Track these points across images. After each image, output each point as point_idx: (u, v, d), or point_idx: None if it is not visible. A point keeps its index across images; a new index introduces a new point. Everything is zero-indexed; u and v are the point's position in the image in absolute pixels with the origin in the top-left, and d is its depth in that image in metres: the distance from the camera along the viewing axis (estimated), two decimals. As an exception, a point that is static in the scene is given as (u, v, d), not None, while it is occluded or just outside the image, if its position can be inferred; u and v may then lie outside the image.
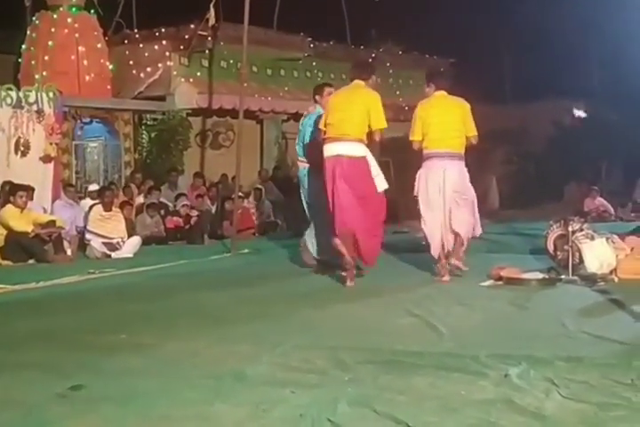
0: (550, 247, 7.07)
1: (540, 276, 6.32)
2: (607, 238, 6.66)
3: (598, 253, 6.45)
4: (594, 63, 20.98)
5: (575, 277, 6.35)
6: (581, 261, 6.49)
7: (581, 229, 6.68)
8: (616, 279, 6.31)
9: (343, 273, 6.50)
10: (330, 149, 6.43)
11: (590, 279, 6.24)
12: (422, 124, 6.67)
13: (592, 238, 6.57)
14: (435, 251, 6.63)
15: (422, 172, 6.69)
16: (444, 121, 6.64)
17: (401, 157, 15.12)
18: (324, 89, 7.36)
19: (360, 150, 6.42)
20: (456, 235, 6.63)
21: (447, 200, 6.59)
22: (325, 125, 6.53)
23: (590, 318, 4.86)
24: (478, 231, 6.85)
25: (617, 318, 4.90)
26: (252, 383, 3.40)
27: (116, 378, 3.55)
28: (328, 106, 6.65)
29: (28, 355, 4.09)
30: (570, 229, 6.65)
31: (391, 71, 18.29)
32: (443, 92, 6.81)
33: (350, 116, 6.40)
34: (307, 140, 7.35)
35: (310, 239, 7.40)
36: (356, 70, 6.82)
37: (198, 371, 3.64)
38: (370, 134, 6.49)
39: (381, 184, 6.53)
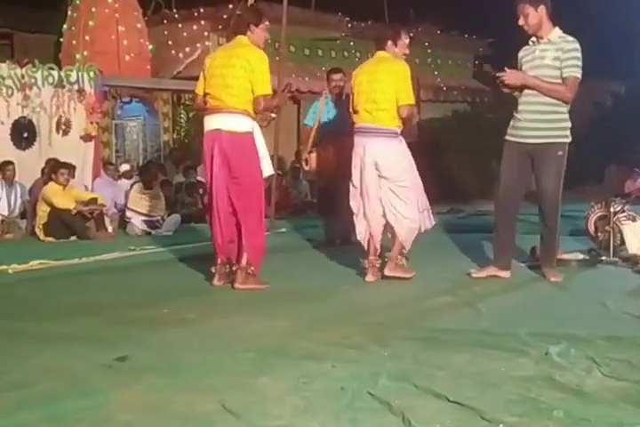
0: (591, 228, 7.00)
1: (581, 257, 6.27)
2: (649, 220, 6.58)
3: (640, 235, 6.39)
4: (636, 43, 20.56)
5: (616, 259, 6.28)
6: (622, 242, 6.43)
7: (623, 211, 6.61)
8: (657, 261, 6.24)
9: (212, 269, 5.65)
10: (208, 123, 5.40)
11: (631, 261, 6.16)
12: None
13: (634, 220, 6.50)
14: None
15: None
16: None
17: (440, 138, 15.11)
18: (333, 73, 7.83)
19: (244, 125, 5.34)
20: (393, 234, 5.63)
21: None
22: (205, 94, 5.44)
23: (631, 299, 4.82)
24: (428, 224, 5.83)
25: (658, 300, 4.86)
26: (292, 357, 3.44)
27: (160, 350, 3.61)
28: (205, 70, 5.46)
29: (72, 327, 4.17)
30: (611, 210, 6.58)
31: (429, 51, 18.15)
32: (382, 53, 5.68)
33: (228, 83, 5.28)
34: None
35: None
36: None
37: (240, 345, 3.69)
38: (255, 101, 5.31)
39: (266, 169, 5.50)
